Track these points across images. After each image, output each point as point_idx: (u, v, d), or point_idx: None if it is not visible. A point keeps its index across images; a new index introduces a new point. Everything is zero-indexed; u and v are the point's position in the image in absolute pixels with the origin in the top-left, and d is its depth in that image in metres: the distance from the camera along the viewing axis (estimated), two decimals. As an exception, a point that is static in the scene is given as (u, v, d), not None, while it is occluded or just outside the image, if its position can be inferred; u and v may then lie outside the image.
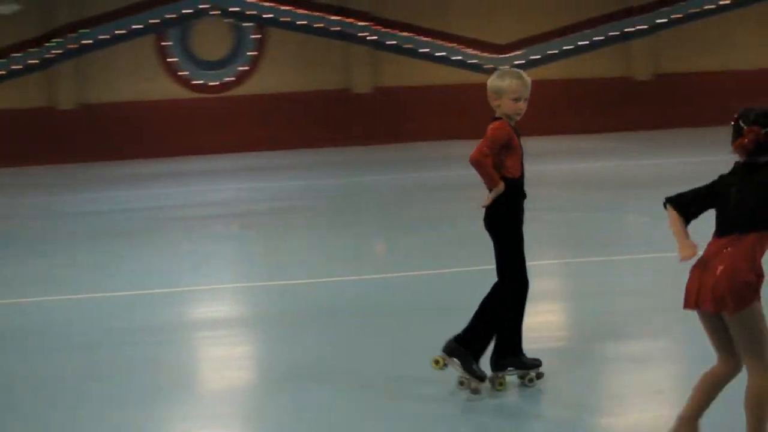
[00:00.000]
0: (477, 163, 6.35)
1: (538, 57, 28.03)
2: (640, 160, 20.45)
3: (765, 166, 4.87)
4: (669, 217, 5.06)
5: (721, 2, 28.59)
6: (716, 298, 4.77)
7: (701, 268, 4.85)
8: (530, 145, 23.31)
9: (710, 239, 4.89)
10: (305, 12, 27.06)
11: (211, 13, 26.99)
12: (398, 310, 8.89)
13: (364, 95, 27.12)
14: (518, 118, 6.55)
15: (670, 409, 6.08)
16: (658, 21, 28.37)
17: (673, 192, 5.03)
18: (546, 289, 9.79)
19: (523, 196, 6.59)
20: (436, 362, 6.45)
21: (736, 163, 4.97)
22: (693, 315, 7.34)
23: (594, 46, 28.33)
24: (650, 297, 9.07)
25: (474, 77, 27.63)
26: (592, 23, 28.25)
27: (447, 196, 16.41)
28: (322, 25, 27.14)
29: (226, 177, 21.05)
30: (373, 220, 14.53)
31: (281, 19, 27.02)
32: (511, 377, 6.55)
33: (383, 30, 27.30)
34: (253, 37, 27.22)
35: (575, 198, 15.77)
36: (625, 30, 28.28)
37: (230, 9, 26.94)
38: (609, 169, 19.21)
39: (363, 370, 7.09)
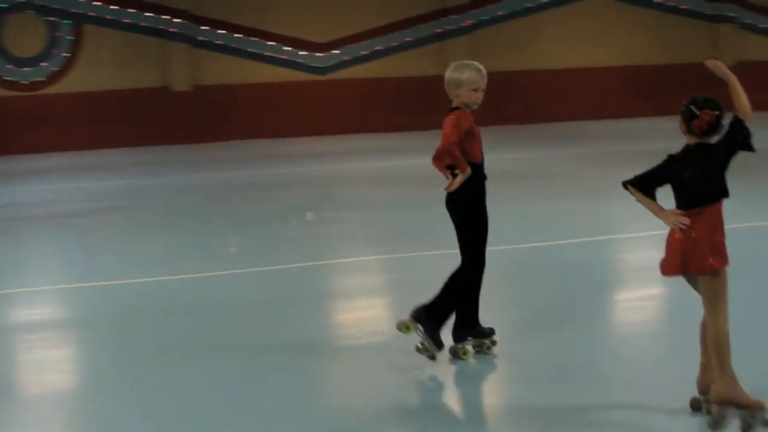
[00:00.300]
0: (447, 151, 6.75)
1: (358, 55, 28.20)
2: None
3: (714, 146, 5.64)
4: (635, 197, 5.83)
5: (529, 5, 29.28)
6: (697, 262, 5.56)
7: (676, 239, 5.64)
8: (342, 143, 23.61)
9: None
10: (120, 8, 26.59)
11: (27, 9, 26.26)
12: (217, 305, 8.85)
13: (183, 93, 26.84)
14: (475, 107, 7.06)
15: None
16: (473, 22, 28.86)
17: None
18: (365, 284, 9.92)
19: (485, 177, 7.07)
20: (407, 327, 6.88)
21: (687, 145, 5.69)
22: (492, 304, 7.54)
23: (411, 45, 28.64)
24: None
25: (294, 75, 27.75)
26: (409, 23, 28.55)
27: (269, 195, 16.42)
28: (138, 22, 26.72)
29: (40, 177, 20.49)
30: (191, 218, 14.38)
31: (98, 16, 26.49)
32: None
33: (202, 28, 27.06)
34: (68, 35, 26.56)
35: (391, 194, 15.89)
36: (441, 30, 28.67)
37: (44, 4, 26.26)
38: (426, 166, 19.37)
39: (182, 366, 7.07)
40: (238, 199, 16.13)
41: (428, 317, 6.90)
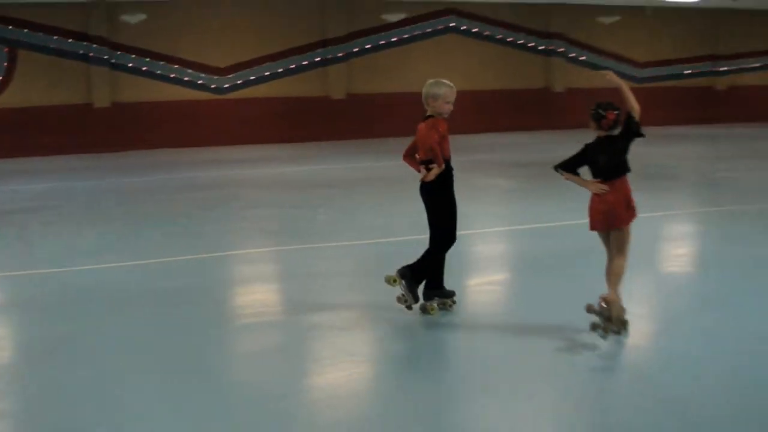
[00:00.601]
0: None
1: (252, 78, 28.18)
2: (335, 165, 20.93)
3: (617, 137, 6.92)
4: (564, 177, 7.07)
5: (397, 38, 29.56)
6: (614, 221, 6.90)
7: (599, 204, 6.93)
8: (240, 152, 23.38)
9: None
10: (48, 35, 26.14)
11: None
12: (140, 292, 8.81)
13: (103, 109, 26.51)
14: (446, 116, 7.68)
15: (360, 367, 6.43)
16: (351, 50, 29.03)
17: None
18: (259, 273, 9.96)
19: (452, 169, 7.66)
20: (393, 280, 7.55)
21: (598, 137, 6.99)
22: (373, 288, 7.73)
23: (298, 69, 28.70)
24: (347, 277, 9.42)
25: (198, 95, 27.63)
26: (297, 51, 28.62)
27: (179, 195, 16.34)
28: (64, 47, 26.28)
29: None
30: (113, 216, 14.24)
31: (29, 42, 26.01)
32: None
33: (119, 53, 26.74)
34: (4, 59, 26.00)
35: (277, 196, 15.93)
36: (324, 57, 28.80)
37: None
38: (310, 172, 19.54)
39: (118, 346, 7.06)
40: (152, 199, 15.99)
41: (411, 275, 7.55)
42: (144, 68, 27.02)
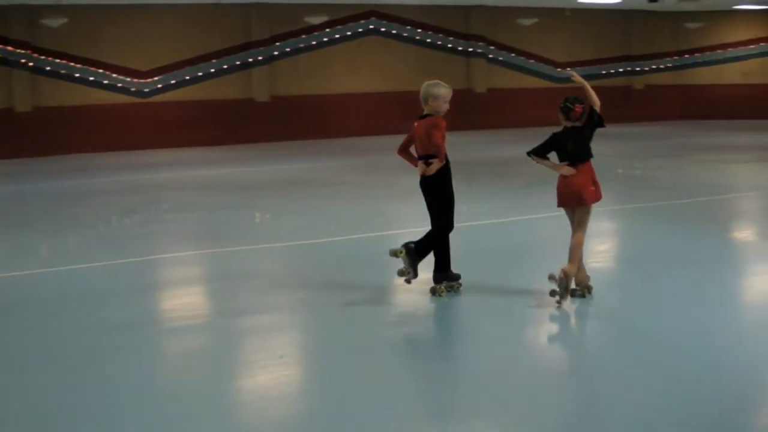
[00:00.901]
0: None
1: (174, 82, 27.93)
2: (259, 167, 20.85)
3: (582, 127, 7.87)
4: (535, 161, 7.99)
5: (319, 41, 29.55)
6: (581, 199, 7.83)
7: (567, 184, 7.86)
8: (163, 156, 23.12)
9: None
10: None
11: None
12: (62, 297, 8.70)
13: (25, 113, 26.07)
14: (443, 114, 8.32)
15: (290, 369, 6.43)
16: (274, 53, 28.94)
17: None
18: (185, 276, 9.90)
19: (449, 163, 8.25)
20: (399, 253, 8.08)
21: (565, 128, 7.89)
22: (299, 290, 7.73)
23: (222, 72, 28.55)
24: (272, 278, 9.40)
25: (120, 98, 27.30)
26: (220, 54, 28.46)
27: (102, 200, 16.16)
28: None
29: None
30: (36, 221, 14.04)
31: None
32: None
33: (41, 57, 26.32)
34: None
35: (205, 199, 15.84)
36: (247, 60, 28.68)
37: None
38: (233, 175, 19.46)
39: (40, 351, 6.95)
40: (74, 203, 15.79)
41: (415, 251, 8.14)
42: (65, 72, 26.61)
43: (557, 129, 7.96)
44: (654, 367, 6.12)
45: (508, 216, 13.19)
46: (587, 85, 8.09)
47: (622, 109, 34.93)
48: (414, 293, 8.39)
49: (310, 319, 7.76)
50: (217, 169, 20.62)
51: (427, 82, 8.52)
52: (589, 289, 8.03)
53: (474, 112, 31.50)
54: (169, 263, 10.52)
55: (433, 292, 8.30)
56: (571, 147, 7.86)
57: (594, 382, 6.03)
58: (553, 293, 7.69)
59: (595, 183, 7.93)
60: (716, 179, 16.89)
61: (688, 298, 8.05)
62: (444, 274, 8.36)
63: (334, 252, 10.68)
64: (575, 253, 7.77)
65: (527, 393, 5.70)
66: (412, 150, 8.48)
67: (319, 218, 13.28)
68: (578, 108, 7.82)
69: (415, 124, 8.38)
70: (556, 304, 7.62)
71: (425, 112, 8.36)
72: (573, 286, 7.88)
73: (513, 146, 24.33)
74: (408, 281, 8.19)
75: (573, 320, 7.58)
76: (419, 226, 12.39)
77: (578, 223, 7.89)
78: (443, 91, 8.40)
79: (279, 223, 13.30)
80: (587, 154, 7.93)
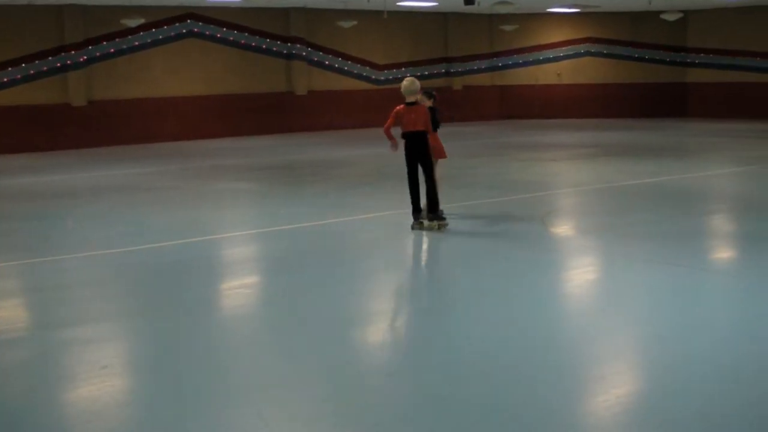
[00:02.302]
0: (428, 124, 11.68)
1: (-15, 86, 26.91)
2: (77, 173, 20.31)
3: (434, 108, 12.09)
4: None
5: (136, 44, 29.03)
6: (439, 153, 12.35)
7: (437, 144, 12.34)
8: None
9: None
10: None
11: None
12: None
13: None
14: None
15: (116, 379, 6.33)
16: (89, 56, 28.24)
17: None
18: (2, 288, 9.58)
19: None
20: (438, 227, 11.66)
21: (430, 108, 11.97)
22: (123, 297, 7.62)
23: (36, 77, 27.63)
24: (93, 288, 9.20)
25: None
26: (33, 57, 27.53)
27: None
28: None
29: None
30: None
31: None
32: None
33: None
34: None
35: (20, 208, 15.30)
36: (62, 63, 27.88)
37: None
38: (50, 182, 18.89)
39: None
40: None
41: (435, 210, 11.74)
42: None
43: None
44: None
45: (329, 218, 13.30)
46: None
47: (442, 109, 35.73)
48: (231, 297, 8.37)
49: (133, 328, 7.66)
50: (33, 177, 19.96)
51: (410, 78, 11.65)
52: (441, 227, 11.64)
53: (295, 114, 31.59)
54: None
55: (429, 228, 11.65)
56: (434, 119, 11.90)
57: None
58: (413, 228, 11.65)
59: (441, 145, 12.53)
60: (533, 177, 17.49)
61: (505, 292, 8.34)
62: (436, 213, 11.71)
63: (155, 259, 10.55)
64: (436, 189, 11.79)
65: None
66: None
67: (139, 224, 13.07)
68: (437, 94, 12.66)
69: (402, 109, 11.59)
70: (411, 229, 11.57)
71: (410, 100, 11.58)
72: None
73: (333, 148, 24.54)
74: (442, 228, 11.67)
75: (407, 318, 7.69)
76: (237, 230, 12.48)
77: (433, 171, 11.75)
78: (418, 84, 11.72)
79: (98, 230, 12.99)
80: (437, 126, 12.17)
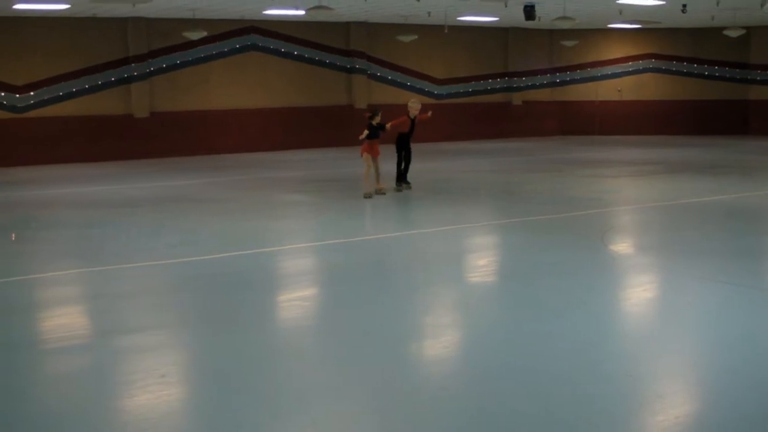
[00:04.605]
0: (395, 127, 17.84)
1: (52, 96, 27.30)
2: (139, 184, 20.53)
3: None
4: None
5: (199, 56, 29.34)
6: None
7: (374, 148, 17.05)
8: (38, 173, 22.52)
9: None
10: None
11: None
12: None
13: None
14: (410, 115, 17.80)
15: (173, 388, 6.36)
16: (152, 68, 28.59)
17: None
18: (61, 296, 9.69)
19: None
20: (405, 188, 17.73)
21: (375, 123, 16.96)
22: (180, 307, 7.65)
23: (100, 87, 28.03)
24: (151, 297, 9.29)
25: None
26: (98, 68, 27.94)
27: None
28: None
29: None
30: None
31: None
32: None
33: None
34: None
35: (83, 216, 15.50)
36: (125, 75, 28.25)
37: None
38: (113, 192, 19.11)
39: None
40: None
41: (404, 178, 17.89)
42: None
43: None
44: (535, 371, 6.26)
45: (386, 231, 13.26)
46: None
47: (501, 124, 35.66)
48: (288, 309, 8.38)
49: (190, 338, 7.70)
50: (95, 186, 20.23)
51: (414, 98, 18.57)
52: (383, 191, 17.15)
53: (355, 127, 31.58)
54: (45, 283, 10.28)
55: (398, 190, 17.56)
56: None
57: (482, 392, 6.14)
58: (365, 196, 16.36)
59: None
60: (595, 193, 17.34)
61: (557, 309, 8.26)
62: (402, 180, 17.89)
63: (212, 269, 10.60)
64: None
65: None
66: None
67: (197, 235, 13.16)
68: (379, 111, 17.60)
69: (404, 119, 17.74)
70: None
71: (411, 114, 17.84)
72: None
73: (391, 162, 24.55)
74: (401, 190, 17.64)
75: (463, 332, 7.67)
76: (295, 242, 12.50)
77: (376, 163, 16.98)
78: (409, 104, 18.23)
79: (157, 240, 13.11)
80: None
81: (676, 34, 35.41)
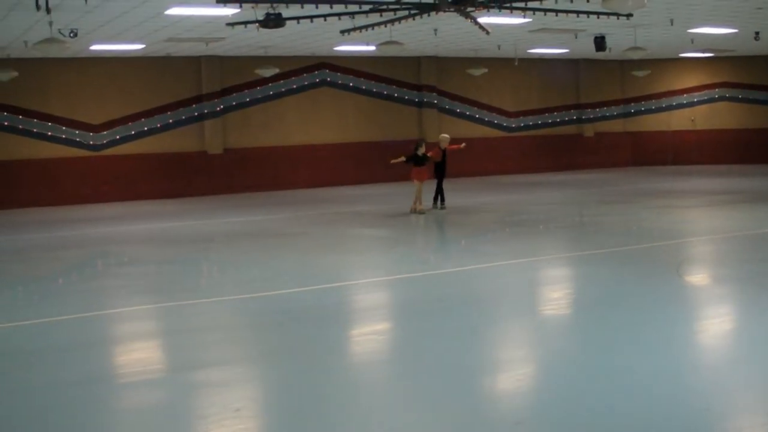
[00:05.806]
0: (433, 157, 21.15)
1: (128, 134, 27.81)
2: (212, 219, 20.75)
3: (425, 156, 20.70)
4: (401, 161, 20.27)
5: (274, 92, 29.69)
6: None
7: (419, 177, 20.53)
8: (115, 209, 22.78)
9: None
10: None
11: None
12: (17, 354, 8.53)
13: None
14: (441, 146, 21.22)
15: (249, 422, 6.38)
16: (225, 106, 28.98)
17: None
18: (138, 331, 9.80)
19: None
20: (422, 211, 20.42)
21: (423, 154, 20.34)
22: (255, 343, 7.67)
23: (174, 125, 28.49)
24: (226, 331, 9.34)
25: (71, 152, 27.06)
26: (172, 107, 28.42)
27: (53, 254, 15.97)
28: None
29: None
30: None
31: None
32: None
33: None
34: None
35: (157, 252, 15.73)
36: (199, 113, 28.67)
37: None
38: (187, 228, 19.33)
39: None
40: (24, 258, 15.56)
41: (436, 200, 20.91)
42: (17, 126, 26.34)
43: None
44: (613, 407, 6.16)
45: (461, 265, 13.21)
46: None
47: (573, 156, 35.41)
48: (362, 343, 8.37)
49: (265, 372, 7.72)
50: (170, 222, 20.49)
51: (444, 134, 21.56)
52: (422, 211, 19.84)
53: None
54: (121, 318, 10.40)
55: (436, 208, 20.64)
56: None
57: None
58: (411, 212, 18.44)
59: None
60: (667, 224, 17.10)
61: (633, 341, 8.13)
62: (439, 202, 20.73)
63: (286, 304, 10.64)
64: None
65: None
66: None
67: (271, 270, 13.24)
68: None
69: (436, 150, 21.00)
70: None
71: (442, 146, 21.07)
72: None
73: (464, 195, 24.50)
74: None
75: (537, 365, 7.59)
76: (368, 277, 12.51)
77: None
78: (440, 137, 21.38)
79: (231, 275, 13.23)
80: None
81: (748, 62, 34.89)
